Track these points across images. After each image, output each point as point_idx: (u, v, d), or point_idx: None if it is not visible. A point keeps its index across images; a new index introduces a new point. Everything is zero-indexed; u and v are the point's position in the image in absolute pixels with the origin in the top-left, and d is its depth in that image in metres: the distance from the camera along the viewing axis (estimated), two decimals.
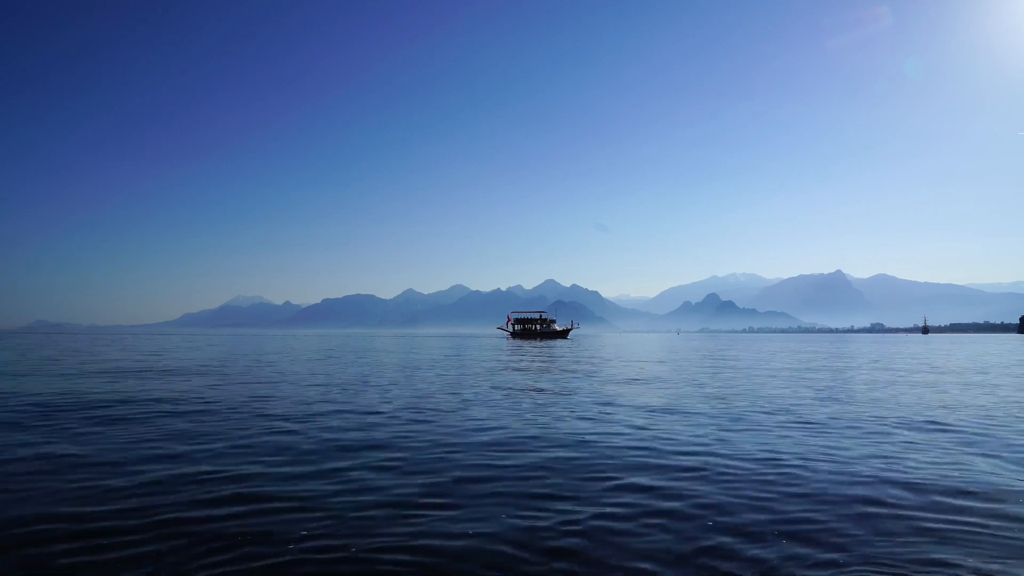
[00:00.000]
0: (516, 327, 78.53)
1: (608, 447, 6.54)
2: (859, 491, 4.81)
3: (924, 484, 5.06)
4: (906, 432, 7.62)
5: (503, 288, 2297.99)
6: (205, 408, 9.50)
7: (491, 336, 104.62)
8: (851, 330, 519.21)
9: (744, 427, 7.84)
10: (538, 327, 77.05)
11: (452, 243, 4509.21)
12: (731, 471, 5.40)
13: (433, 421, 8.24)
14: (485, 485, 4.92)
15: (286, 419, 8.42)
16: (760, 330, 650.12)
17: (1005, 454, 6.37)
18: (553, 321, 78.00)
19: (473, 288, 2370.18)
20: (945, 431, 7.75)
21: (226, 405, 9.84)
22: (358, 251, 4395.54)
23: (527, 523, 4.00)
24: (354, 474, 5.24)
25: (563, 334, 77.86)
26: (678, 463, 5.71)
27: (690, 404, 10.25)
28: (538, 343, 52.88)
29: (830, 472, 5.47)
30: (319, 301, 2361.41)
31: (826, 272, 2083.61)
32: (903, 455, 6.22)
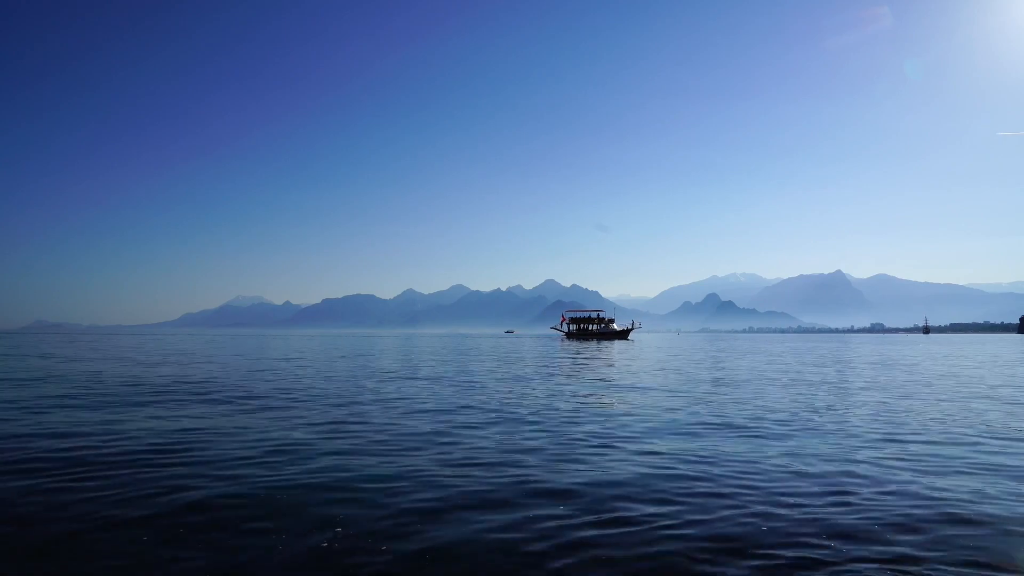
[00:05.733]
0: (571, 327, 74.37)
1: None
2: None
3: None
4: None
5: (503, 288, 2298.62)
6: None
7: (513, 336, 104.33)
8: (851, 330, 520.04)
9: None
10: (595, 327, 72.48)
11: (452, 243, 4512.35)
12: None
13: None
14: None
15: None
16: (760, 330, 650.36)
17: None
18: (611, 321, 72.95)
19: (473, 288, 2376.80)
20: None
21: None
22: (358, 251, 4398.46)
23: None
24: None
25: (623, 334, 72.12)
26: None
27: None
28: (598, 344, 48.16)
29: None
30: (319, 301, 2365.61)
31: (826, 272, 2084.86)
32: None
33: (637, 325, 74.95)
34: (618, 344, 49.41)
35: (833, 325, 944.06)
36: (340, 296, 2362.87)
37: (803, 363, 24.27)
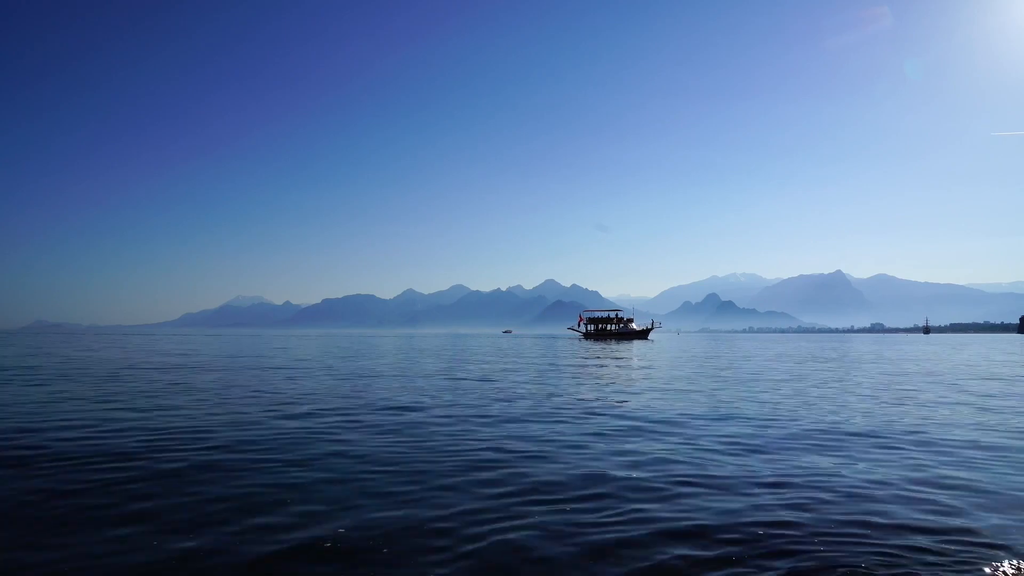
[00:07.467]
0: (590, 327, 73.57)
1: None
2: None
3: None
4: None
5: (503, 288, 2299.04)
6: None
7: (512, 336, 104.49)
8: (851, 330, 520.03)
9: None
10: (613, 327, 71.63)
11: (452, 243, 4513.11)
12: None
13: None
14: None
15: None
16: (760, 330, 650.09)
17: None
18: (630, 320, 72.12)
19: (473, 288, 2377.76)
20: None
21: None
22: (358, 251, 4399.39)
23: None
24: None
25: (642, 334, 71.00)
26: None
27: None
28: (617, 344, 46.71)
29: None
30: (319, 301, 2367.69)
31: (826, 272, 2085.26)
32: None
33: (657, 324, 73.93)
34: (640, 345, 47.43)
35: (833, 325, 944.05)
36: (340, 296, 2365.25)
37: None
